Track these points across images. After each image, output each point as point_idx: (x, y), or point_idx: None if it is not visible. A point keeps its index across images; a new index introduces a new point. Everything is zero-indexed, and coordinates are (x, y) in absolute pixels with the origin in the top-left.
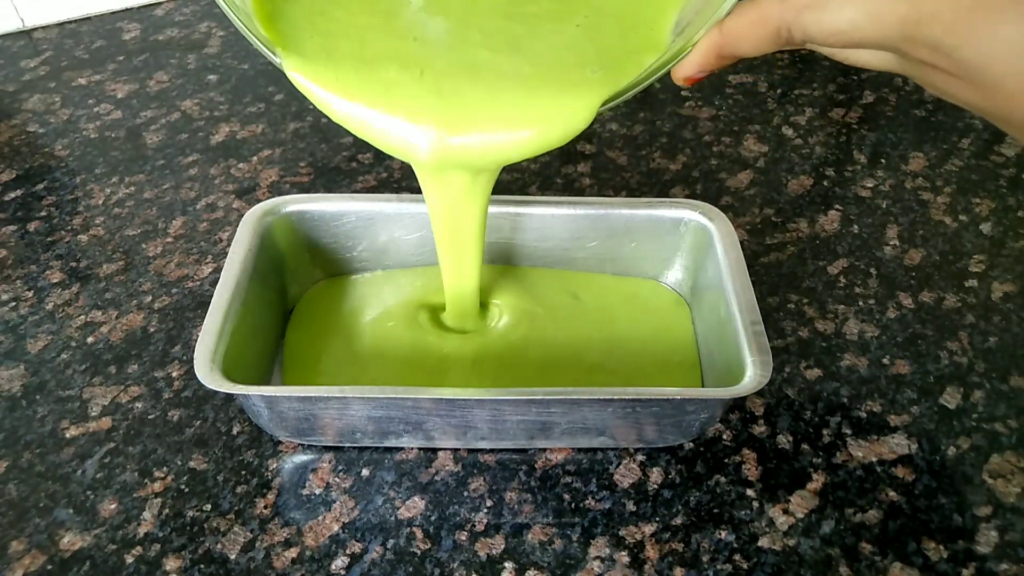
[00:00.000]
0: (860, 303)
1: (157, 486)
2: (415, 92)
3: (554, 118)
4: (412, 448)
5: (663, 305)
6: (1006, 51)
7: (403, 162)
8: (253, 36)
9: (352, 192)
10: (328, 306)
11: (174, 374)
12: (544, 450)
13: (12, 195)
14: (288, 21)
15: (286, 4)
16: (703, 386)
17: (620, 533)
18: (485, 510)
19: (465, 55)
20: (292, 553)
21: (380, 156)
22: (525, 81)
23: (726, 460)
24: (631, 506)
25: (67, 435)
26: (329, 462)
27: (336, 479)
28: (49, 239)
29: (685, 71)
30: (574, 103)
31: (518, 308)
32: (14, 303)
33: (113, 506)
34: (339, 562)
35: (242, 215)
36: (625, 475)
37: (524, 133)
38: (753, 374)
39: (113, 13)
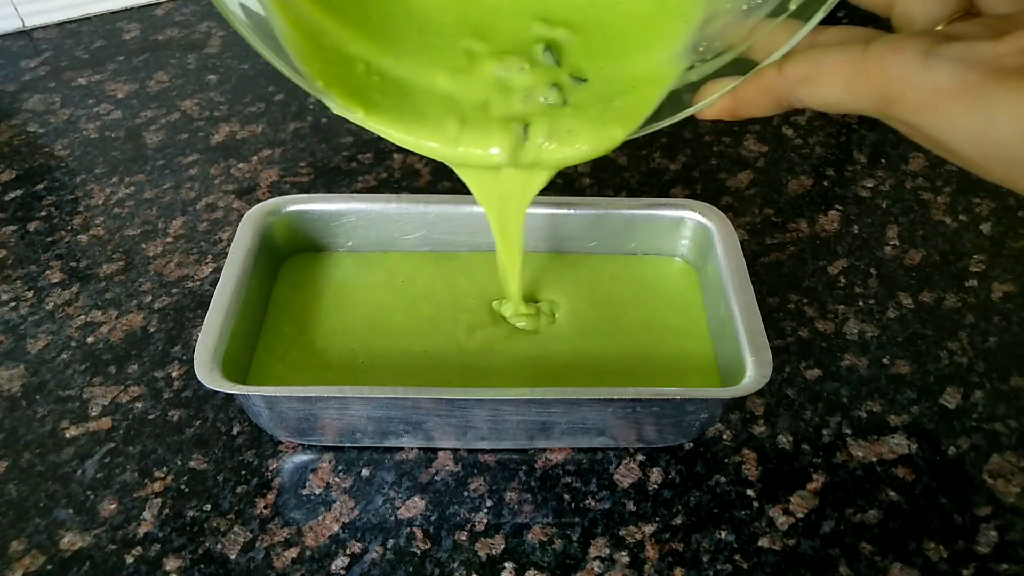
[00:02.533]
0: (860, 303)
1: (157, 486)
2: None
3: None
4: (412, 448)
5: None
6: (963, 135)
7: (403, 162)
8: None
9: (352, 192)
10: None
11: (174, 374)
12: (544, 450)
13: (12, 195)
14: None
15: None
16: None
17: (620, 533)
18: (485, 510)
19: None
20: (292, 553)
21: (380, 156)
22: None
23: (726, 460)
24: (631, 506)
25: (67, 435)
26: (329, 462)
27: (336, 479)
28: (49, 239)
29: (707, 116)
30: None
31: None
32: (14, 303)
33: (113, 506)
34: (339, 562)
35: (242, 215)
36: (625, 475)
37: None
38: (753, 374)
39: (113, 13)
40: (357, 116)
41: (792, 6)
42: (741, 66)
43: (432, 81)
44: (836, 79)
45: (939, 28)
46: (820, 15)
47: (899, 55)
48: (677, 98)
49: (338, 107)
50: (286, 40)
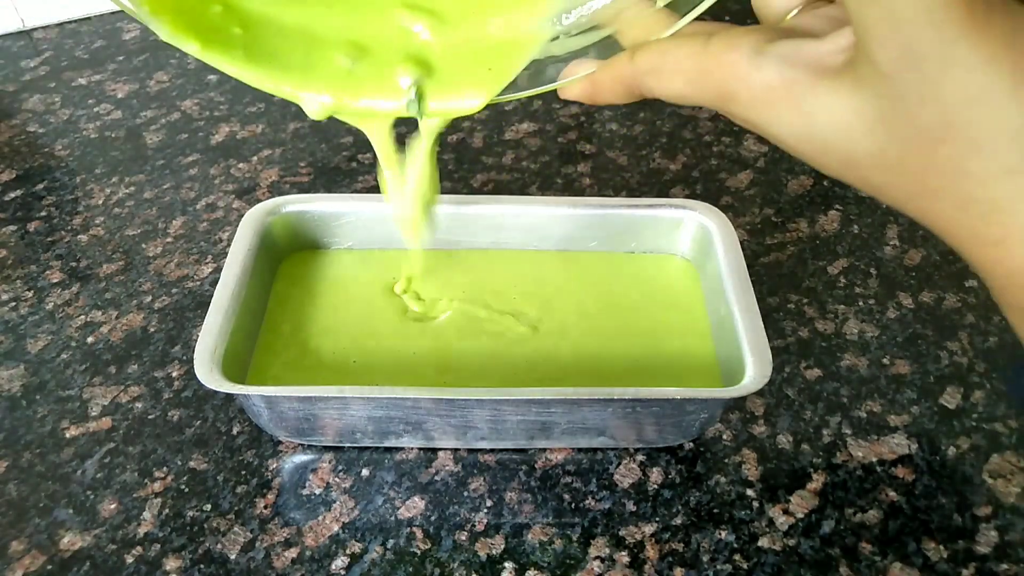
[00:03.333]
0: (860, 303)
1: (157, 486)
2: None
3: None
4: (412, 448)
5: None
6: (791, 133)
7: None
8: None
9: (352, 192)
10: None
11: (174, 374)
12: (544, 450)
13: (12, 195)
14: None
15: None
16: (720, 377)
17: (620, 533)
18: (485, 510)
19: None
20: (292, 553)
21: None
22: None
23: (726, 460)
24: (631, 506)
25: (67, 435)
26: (329, 462)
27: (336, 479)
28: (49, 239)
29: (567, 95)
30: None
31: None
32: (14, 303)
33: (113, 506)
34: (339, 562)
35: (242, 215)
36: (625, 475)
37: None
38: (753, 374)
39: (113, 13)
40: (192, 48)
41: None
42: (605, 50)
43: (292, 27)
44: (680, 72)
45: (789, 17)
46: (691, 15)
47: (734, 52)
48: (539, 70)
49: (169, 36)
50: None
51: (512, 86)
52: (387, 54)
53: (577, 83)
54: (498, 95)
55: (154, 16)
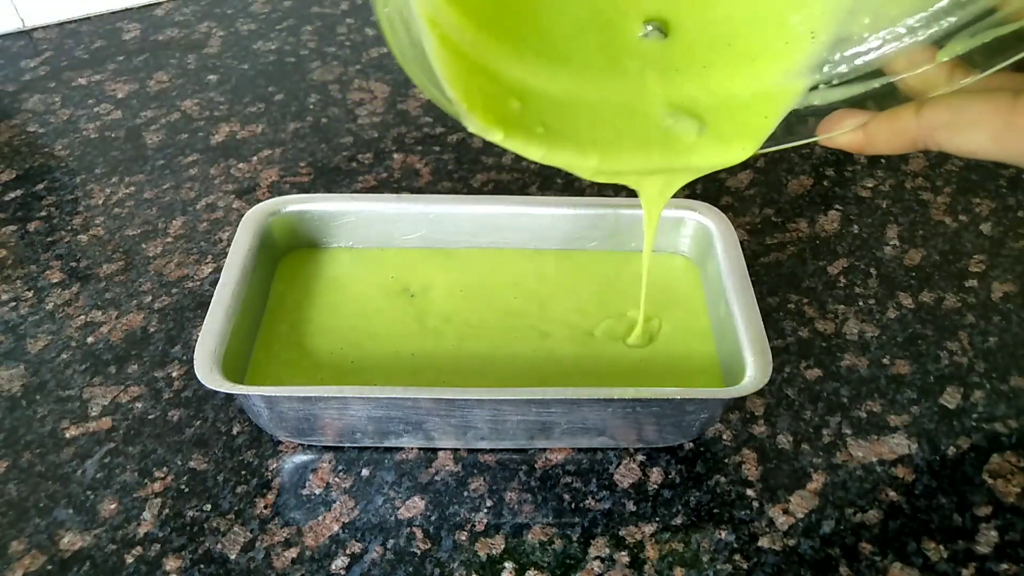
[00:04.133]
0: (860, 303)
1: (157, 486)
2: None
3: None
4: (412, 448)
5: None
6: None
7: (403, 162)
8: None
9: (352, 192)
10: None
11: (174, 374)
12: (544, 450)
13: (12, 195)
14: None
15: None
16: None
17: (620, 533)
18: (485, 510)
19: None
20: (292, 553)
21: (380, 156)
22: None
23: (726, 460)
24: (631, 506)
25: (67, 435)
26: (329, 462)
27: (336, 479)
28: (49, 239)
29: (835, 144)
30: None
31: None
32: (14, 303)
33: (113, 506)
34: (339, 562)
35: (242, 215)
36: (625, 475)
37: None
38: (753, 374)
39: (113, 13)
40: (496, 137)
41: (951, 48)
42: (883, 100)
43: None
44: (982, 129)
45: None
46: (1000, 65)
47: None
48: (799, 120)
49: (477, 127)
50: (436, 59)
51: (772, 139)
52: (657, 118)
53: (848, 134)
54: (759, 148)
55: (469, 112)
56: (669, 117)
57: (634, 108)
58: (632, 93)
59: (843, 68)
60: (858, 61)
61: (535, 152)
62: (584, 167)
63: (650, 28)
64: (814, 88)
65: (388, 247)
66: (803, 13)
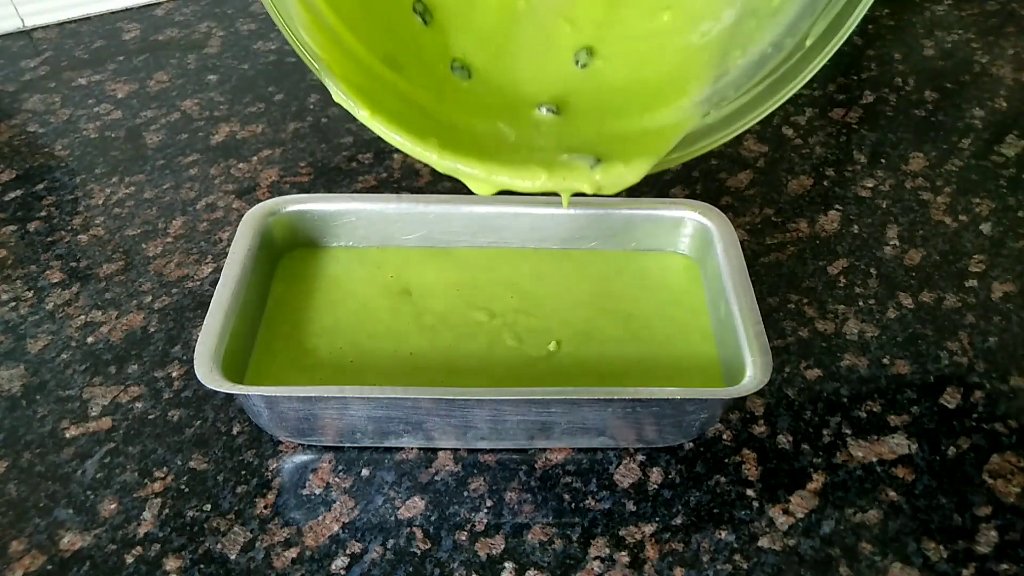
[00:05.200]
0: (860, 303)
1: (157, 486)
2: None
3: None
4: (412, 448)
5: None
6: None
7: (403, 162)
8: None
9: (352, 192)
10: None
11: (174, 374)
12: (544, 450)
13: (12, 195)
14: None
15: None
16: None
17: (620, 533)
18: (485, 510)
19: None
20: (292, 553)
21: (380, 156)
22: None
23: (726, 460)
24: (631, 506)
25: (67, 435)
26: (329, 462)
27: (336, 479)
28: (49, 239)
29: None
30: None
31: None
32: (14, 303)
33: (113, 506)
34: (339, 562)
35: (242, 215)
36: (625, 475)
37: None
38: (753, 374)
39: (113, 13)
40: (362, 115)
41: (793, 59)
42: (754, 106)
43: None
44: None
45: None
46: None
47: None
48: (696, 135)
49: (342, 98)
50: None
51: (669, 154)
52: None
53: None
54: (656, 167)
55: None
56: (564, 154)
57: (529, 147)
58: (527, 140)
59: (730, 92)
60: (740, 85)
61: (425, 150)
62: (477, 183)
63: (544, 111)
64: (706, 115)
65: (388, 247)
66: (684, 73)
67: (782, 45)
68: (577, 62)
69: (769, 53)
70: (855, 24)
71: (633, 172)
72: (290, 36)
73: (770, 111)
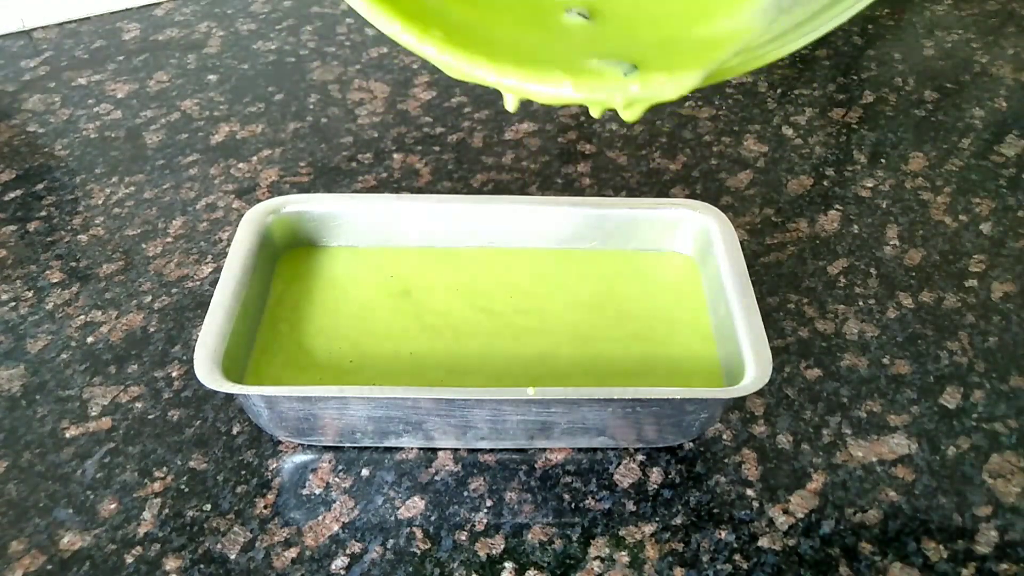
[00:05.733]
0: (860, 303)
1: (157, 486)
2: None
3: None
4: (412, 448)
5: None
6: None
7: (403, 162)
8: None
9: (352, 192)
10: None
11: (174, 374)
12: (544, 450)
13: (12, 195)
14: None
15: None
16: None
17: (620, 533)
18: (485, 510)
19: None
20: (292, 553)
21: (380, 156)
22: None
23: (726, 460)
24: (631, 506)
25: (67, 435)
26: (329, 462)
27: (336, 479)
28: (49, 239)
29: None
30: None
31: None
32: (14, 303)
33: (113, 506)
34: (339, 562)
35: (242, 215)
36: (625, 475)
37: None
38: (753, 374)
39: (113, 13)
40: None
41: None
42: (830, 6)
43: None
44: None
45: None
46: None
47: None
48: (757, 48)
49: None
50: None
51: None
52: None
53: None
54: (705, 80)
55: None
56: (594, 60)
57: (554, 54)
58: (552, 47)
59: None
60: None
61: (450, 53)
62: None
63: (575, 14)
64: (774, 21)
65: (388, 247)
66: None
67: None
68: None
69: None
70: None
71: (676, 84)
72: None
73: (851, 14)
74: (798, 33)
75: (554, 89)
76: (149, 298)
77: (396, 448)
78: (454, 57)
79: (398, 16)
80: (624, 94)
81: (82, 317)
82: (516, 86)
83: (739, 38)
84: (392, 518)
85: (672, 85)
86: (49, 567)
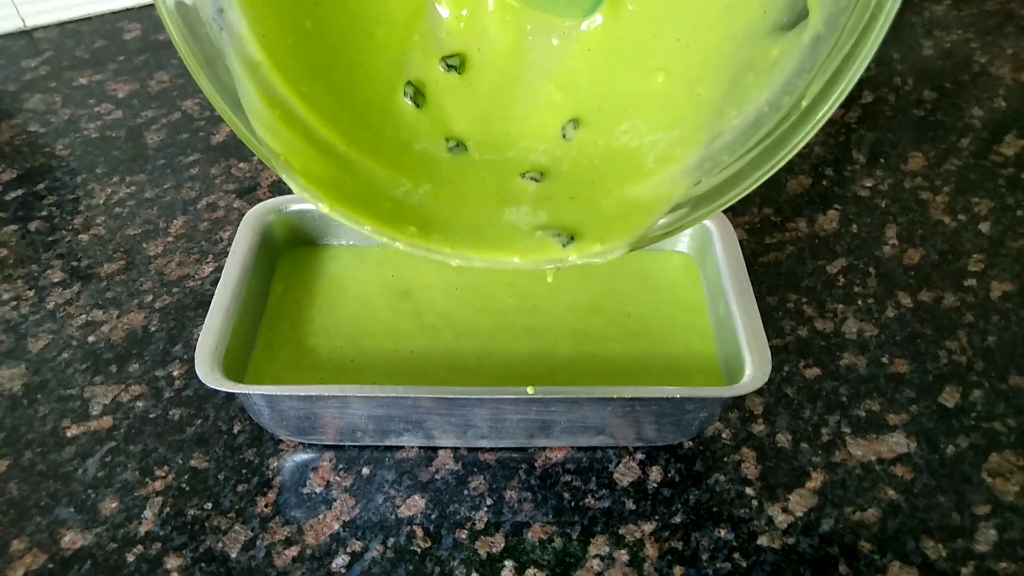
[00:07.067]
0: (859, 302)
1: (158, 485)
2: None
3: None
4: (412, 447)
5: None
6: None
7: None
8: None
9: None
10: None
11: (175, 373)
12: (544, 449)
13: (13, 195)
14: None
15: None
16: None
17: (620, 531)
18: (485, 508)
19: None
20: (293, 551)
21: None
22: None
23: (725, 459)
24: (631, 504)
25: (68, 434)
26: (330, 461)
27: (337, 478)
28: (50, 239)
29: None
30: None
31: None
32: (15, 302)
33: (114, 505)
34: (340, 560)
35: (243, 214)
36: (625, 474)
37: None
38: (752, 373)
39: (114, 13)
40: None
41: (789, 120)
42: (748, 172)
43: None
44: None
45: None
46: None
47: None
48: (684, 210)
49: (301, 191)
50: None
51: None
52: (529, 219)
53: None
54: (635, 244)
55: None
56: (538, 231)
57: (501, 217)
58: (501, 208)
59: (724, 157)
60: (735, 149)
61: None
62: (448, 258)
63: (528, 179)
64: (697, 184)
65: (388, 246)
66: (674, 133)
67: (779, 104)
68: (564, 135)
69: (765, 113)
70: (852, 85)
71: (607, 254)
72: (244, 134)
73: (765, 178)
74: (719, 197)
75: (506, 263)
76: (150, 297)
77: (396, 447)
78: (423, 248)
79: (364, 215)
80: (562, 263)
81: (83, 316)
82: (478, 263)
83: (666, 201)
84: (392, 516)
85: (604, 255)
86: (50, 566)
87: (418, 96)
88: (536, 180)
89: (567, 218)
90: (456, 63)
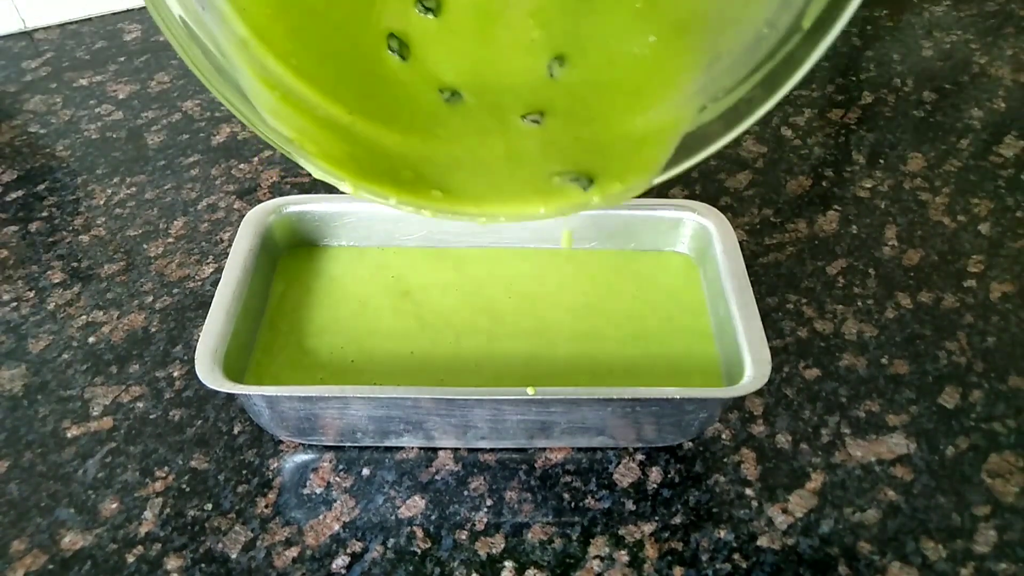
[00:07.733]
0: (859, 303)
1: (158, 485)
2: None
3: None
4: (412, 448)
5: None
6: None
7: None
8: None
9: None
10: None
11: (175, 374)
12: (544, 449)
13: (13, 195)
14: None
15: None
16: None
17: (619, 532)
18: (485, 509)
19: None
20: (293, 552)
21: None
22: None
23: (725, 460)
24: (630, 505)
25: (68, 435)
26: (330, 461)
27: (337, 478)
28: (50, 239)
29: None
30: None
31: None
32: (15, 303)
33: (114, 505)
34: (340, 561)
35: (243, 215)
36: (624, 474)
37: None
38: (752, 374)
39: (114, 14)
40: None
41: (791, 42)
42: (754, 100)
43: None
44: None
45: None
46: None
47: None
48: (696, 139)
49: (321, 174)
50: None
51: (671, 161)
52: (545, 164)
53: None
54: (659, 176)
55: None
56: (556, 177)
57: (516, 167)
58: (513, 157)
59: (726, 81)
60: (736, 73)
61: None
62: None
63: (528, 121)
64: (703, 109)
65: (388, 247)
66: (671, 60)
67: (777, 23)
68: (551, 74)
69: (764, 33)
70: (855, 6)
71: (630, 192)
72: (255, 123)
73: (772, 105)
74: (729, 128)
75: (533, 214)
76: (150, 298)
77: (397, 448)
78: (449, 210)
79: (390, 188)
80: (587, 207)
81: (83, 317)
82: (504, 219)
83: (675, 129)
84: (393, 517)
85: (627, 194)
86: (50, 567)
87: (403, 48)
88: (537, 122)
89: (578, 159)
90: (432, 4)
